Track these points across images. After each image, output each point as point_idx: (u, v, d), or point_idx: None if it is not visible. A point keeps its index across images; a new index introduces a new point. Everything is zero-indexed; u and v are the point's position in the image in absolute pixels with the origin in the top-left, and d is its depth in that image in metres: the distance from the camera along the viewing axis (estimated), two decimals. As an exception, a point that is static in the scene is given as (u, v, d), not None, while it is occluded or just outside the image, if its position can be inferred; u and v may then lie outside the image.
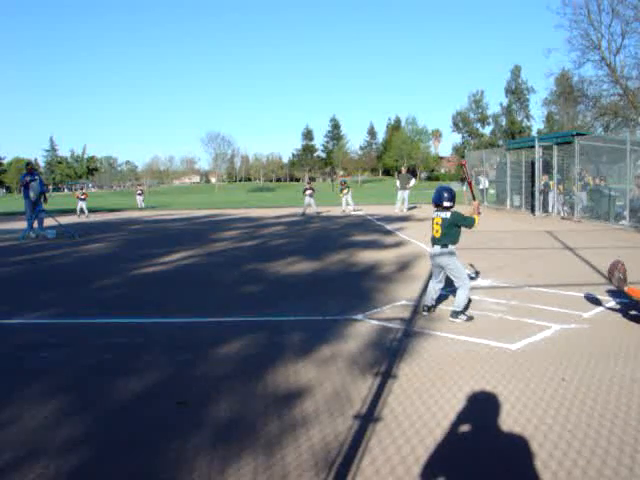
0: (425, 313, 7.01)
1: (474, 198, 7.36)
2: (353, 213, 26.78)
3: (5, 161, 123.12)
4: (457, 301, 6.73)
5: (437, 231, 6.79)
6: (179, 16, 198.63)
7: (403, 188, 26.90)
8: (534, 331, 6.21)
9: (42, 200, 18.47)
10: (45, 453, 3.60)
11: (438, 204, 6.85)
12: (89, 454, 3.61)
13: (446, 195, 6.80)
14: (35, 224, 18.28)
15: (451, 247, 6.76)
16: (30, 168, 18.77)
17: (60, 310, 7.80)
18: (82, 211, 28.76)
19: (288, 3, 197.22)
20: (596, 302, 7.51)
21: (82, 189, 32.08)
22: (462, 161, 8.24)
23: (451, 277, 6.84)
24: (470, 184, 7.91)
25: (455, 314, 6.68)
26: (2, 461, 3.50)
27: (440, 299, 7.46)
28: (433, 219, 6.89)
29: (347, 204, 27.72)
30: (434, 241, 6.87)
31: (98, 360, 5.56)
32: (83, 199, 29.40)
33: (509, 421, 3.95)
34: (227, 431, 3.90)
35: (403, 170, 29.62)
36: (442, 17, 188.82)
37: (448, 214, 6.75)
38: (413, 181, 27.63)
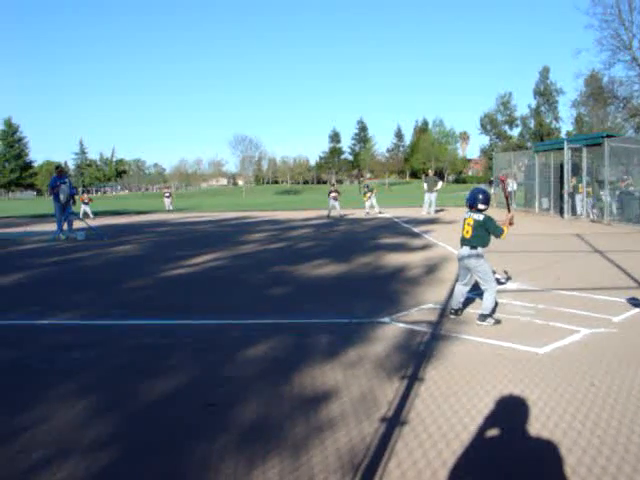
0: (452, 316, 6.98)
1: (509, 210, 7.25)
2: (379, 215, 26.72)
3: (36, 164, 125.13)
4: (484, 304, 6.67)
5: (467, 232, 6.74)
6: (206, 20, 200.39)
7: (430, 191, 26.81)
8: (562, 335, 6.14)
9: (72, 202, 18.80)
10: (74, 452, 3.65)
11: (472, 206, 6.81)
12: (117, 454, 3.65)
13: (481, 197, 6.77)
14: (65, 226, 18.58)
15: (480, 249, 6.70)
16: (60, 171, 19.09)
17: (90, 311, 7.91)
18: (86, 215, 29.46)
19: (313, 5, 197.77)
20: (626, 306, 7.40)
21: (87, 193, 33.40)
22: (501, 177, 7.93)
23: (478, 280, 6.80)
24: (507, 197, 7.75)
25: (483, 317, 6.63)
26: (33, 460, 3.56)
27: (467, 302, 7.42)
28: (465, 219, 6.84)
29: (372, 206, 27.63)
30: (463, 242, 6.81)
31: (127, 361, 5.63)
32: (87, 203, 30.77)
33: (537, 425, 3.91)
34: (254, 433, 3.92)
35: (430, 173, 29.56)
36: (470, 18, 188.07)
37: (481, 217, 6.69)
38: (440, 184, 27.52)
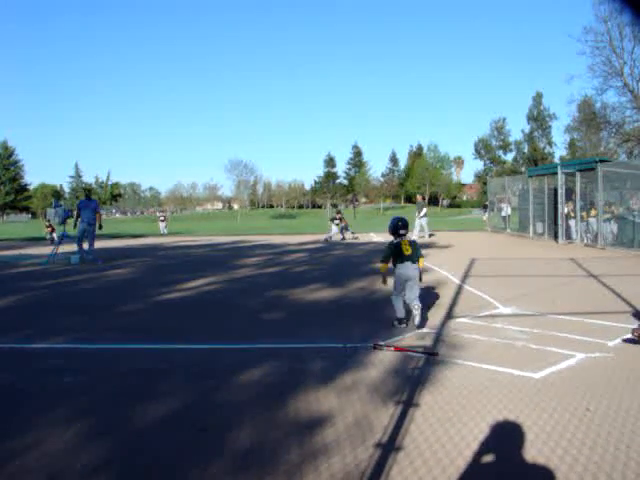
0: (402, 325, 7.73)
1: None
2: (374, 240, 26.68)
3: (31, 187, 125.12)
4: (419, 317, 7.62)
5: (408, 250, 7.72)
6: (200, 44, 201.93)
7: (418, 216, 26.71)
8: (558, 360, 6.12)
9: (74, 224, 18.73)
10: (65, 478, 3.60)
11: (396, 233, 7.89)
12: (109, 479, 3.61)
13: (401, 224, 7.85)
14: (59, 250, 18.50)
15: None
16: (87, 194, 18.84)
17: (83, 335, 7.86)
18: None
19: (308, 29, 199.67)
20: (622, 330, 7.38)
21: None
22: None
23: (415, 287, 7.69)
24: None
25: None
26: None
27: (462, 326, 7.47)
28: (401, 242, 7.77)
29: (337, 232, 27.34)
30: (407, 258, 7.68)
31: (120, 385, 5.59)
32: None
33: (533, 451, 3.88)
34: (247, 458, 3.88)
35: (419, 198, 29.54)
36: (463, 44, 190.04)
37: (411, 238, 8.13)
38: (424, 210, 27.18)
